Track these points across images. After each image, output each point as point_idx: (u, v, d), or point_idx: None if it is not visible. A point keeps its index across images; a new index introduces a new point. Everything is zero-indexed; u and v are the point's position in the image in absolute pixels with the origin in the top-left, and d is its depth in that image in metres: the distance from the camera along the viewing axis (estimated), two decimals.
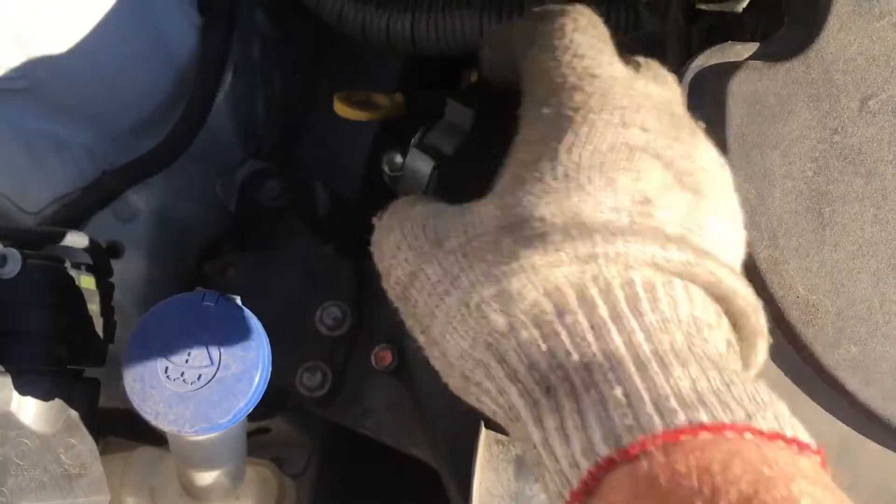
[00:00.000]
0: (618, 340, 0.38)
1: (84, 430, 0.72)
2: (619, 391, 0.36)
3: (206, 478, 0.77)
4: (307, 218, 0.99)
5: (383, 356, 0.81)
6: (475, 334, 0.41)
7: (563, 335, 0.39)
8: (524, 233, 0.41)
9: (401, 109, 0.90)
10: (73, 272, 0.74)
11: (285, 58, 1.11)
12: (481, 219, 0.43)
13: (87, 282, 0.75)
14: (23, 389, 0.68)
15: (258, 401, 0.64)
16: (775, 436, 0.34)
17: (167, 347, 0.64)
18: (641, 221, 0.41)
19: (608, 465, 0.35)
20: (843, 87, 0.58)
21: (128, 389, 0.63)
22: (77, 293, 0.73)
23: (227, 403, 0.64)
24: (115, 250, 0.87)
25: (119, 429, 0.93)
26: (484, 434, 0.63)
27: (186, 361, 0.64)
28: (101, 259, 0.77)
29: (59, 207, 0.83)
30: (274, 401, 1.01)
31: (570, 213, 0.42)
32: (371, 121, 0.87)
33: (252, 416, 1.05)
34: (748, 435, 0.34)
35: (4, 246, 0.70)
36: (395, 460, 0.99)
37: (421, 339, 0.48)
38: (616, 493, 0.35)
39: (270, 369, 0.65)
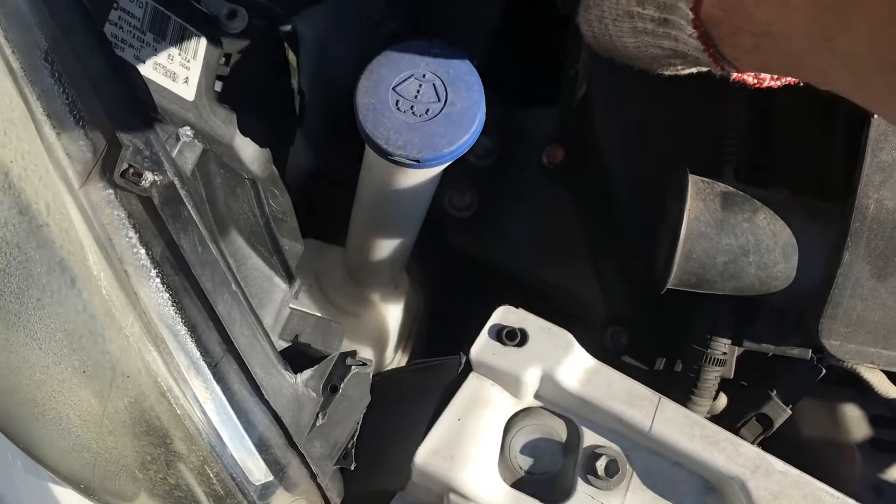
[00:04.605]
0: None
1: (283, 186, 0.77)
2: None
3: (382, 250, 0.81)
4: None
5: (555, 153, 0.86)
6: (629, 30, 0.59)
7: None
8: None
9: None
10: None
11: None
12: None
13: (291, 57, 0.80)
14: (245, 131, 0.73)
15: (477, 138, 0.70)
16: None
17: (397, 84, 0.69)
18: None
19: None
20: None
21: (361, 118, 0.68)
22: (287, 62, 0.79)
23: (453, 135, 0.69)
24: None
25: None
26: (690, 176, 0.69)
27: (415, 97, 0.69)
28: (295, 43, 0.83)
29: None
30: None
31: None
32: None
33: None
34: None
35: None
36: None
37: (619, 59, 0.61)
38: None
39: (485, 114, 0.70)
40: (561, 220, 0.92)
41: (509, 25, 1.09)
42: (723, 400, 0.86)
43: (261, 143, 0.74)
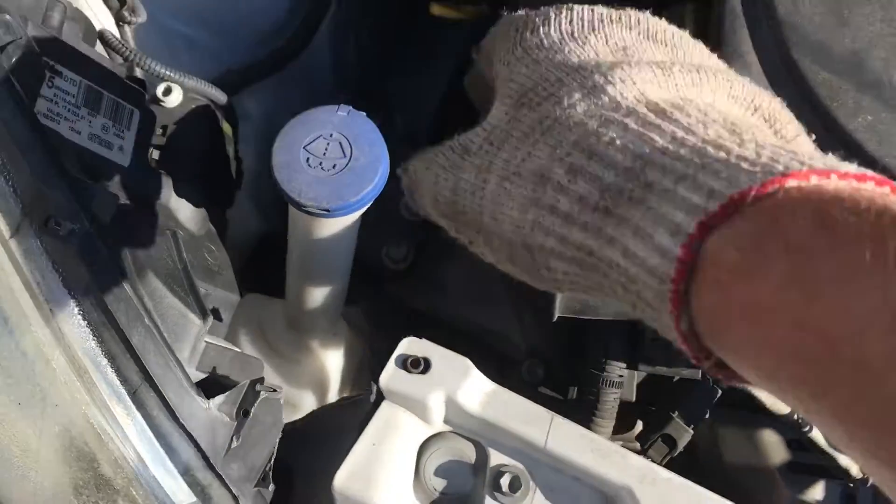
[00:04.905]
0: (661, 141, 0.38)
1: (219, 242, 0.85)
2: (686, 172, 0.36)
3: (315, 298, 0.89)
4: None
5: None
6: (521, 198, 0.44)
7: (606, 150, 0.40)
8: (537, 96, 0.46)
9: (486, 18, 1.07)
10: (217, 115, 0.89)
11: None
12: (494, 115, 0.50)
13: (226, 128, 0.90)
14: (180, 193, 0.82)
15: (381, 189, 0.78)
16: (863, 177, 0.32)
17: (308, 143, 0.78)
18: (626, 60, 0.44)
19: (702, 230, 0.34)
20: None
21: (276, 174, 0.77)
22: (221, 132, 0.88)
23: (358, 186, 0.77)
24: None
25: None
26: None
27: (324, 154, 0.78)
28: (232, 115, 0.92)
29: None
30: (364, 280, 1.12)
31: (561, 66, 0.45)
32: (461, 21, 1.04)
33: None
34: (835, 177, 0.32)
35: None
36: None
37: (479, 241, 0.53)
38: (725, 248, 0.33)
39: (389, 167, 0.79)
40: (486, 265, 0.99)
41: (454, 93, 1.18)
42: (639, 426, 0.92)
43: (196, 205, 0.82)
